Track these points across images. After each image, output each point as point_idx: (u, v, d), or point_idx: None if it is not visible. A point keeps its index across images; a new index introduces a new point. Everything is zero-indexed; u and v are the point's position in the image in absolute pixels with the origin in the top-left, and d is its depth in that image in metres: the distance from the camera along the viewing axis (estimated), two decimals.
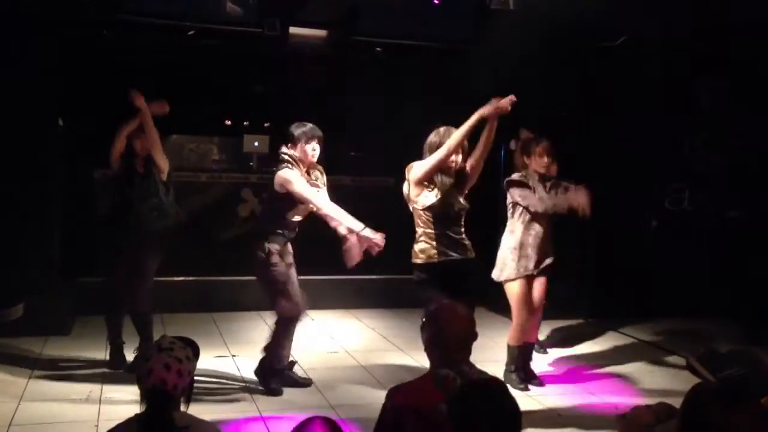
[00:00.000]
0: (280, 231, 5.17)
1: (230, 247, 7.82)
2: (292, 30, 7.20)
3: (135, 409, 2.59)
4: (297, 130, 5.16)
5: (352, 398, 5.16)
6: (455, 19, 7.08)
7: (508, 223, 5.58)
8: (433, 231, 4.58)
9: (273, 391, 5.16)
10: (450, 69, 7.77)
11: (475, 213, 8.04)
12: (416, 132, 6.23)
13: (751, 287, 7.51)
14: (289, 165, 5.08)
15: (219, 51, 7.78)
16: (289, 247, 5.30)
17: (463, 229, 4.72)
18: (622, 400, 5.12)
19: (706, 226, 8.16)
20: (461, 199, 4.70)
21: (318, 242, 6.41)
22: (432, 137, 4.68)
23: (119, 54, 7.54)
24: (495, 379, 2.67)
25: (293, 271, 5.29)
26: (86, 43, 7.22)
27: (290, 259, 5.29)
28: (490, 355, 6.24)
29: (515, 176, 5.53)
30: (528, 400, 5.15)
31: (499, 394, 2.29)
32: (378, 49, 7.87)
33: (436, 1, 6.49)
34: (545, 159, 5.42)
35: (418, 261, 4.63)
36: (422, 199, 4.58)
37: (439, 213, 4.57)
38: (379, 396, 2.93)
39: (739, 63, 7.86)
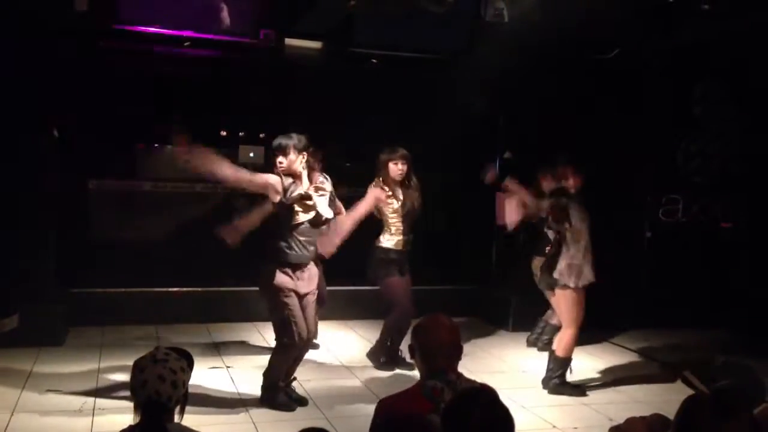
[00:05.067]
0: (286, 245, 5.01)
1: (225, 259, 7.81)
2: (288, 41, 7.23)
3: (129, 421, 2.58)
4: (285, 140, 5.03)
5: (347, 410, 5.14)
6: (450, 31, 7.11)
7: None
8: None
9: (283, 406, 5.05)
10: (445, 80, 7.80)
11: (471, 223, 8.05)
12: (412, 142, 6.28)
13: (745, 298, 7.53)
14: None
15: (214, 62, 7.80)
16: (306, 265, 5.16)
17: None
18: (617, 411, 5.12)
19: (700, 237, 8.19)
20: None
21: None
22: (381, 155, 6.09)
23: (115, 64, 7.55)
24: (486, 387, 2.68)
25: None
26: (82, 53, 7.22)
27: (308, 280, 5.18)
28: (484, 366, 6.25)
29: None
30: (522, 411, 5.14)
31: (491, 403, 2.29)
32: (373, 60, 7.90)
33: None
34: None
35: None
36: None
37: None
38: (374, 407, 2.93)
39: (732, 73, 7.91)
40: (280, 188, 4.89)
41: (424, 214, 6.16)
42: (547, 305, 6.20)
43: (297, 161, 4.94)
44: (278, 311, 5.00)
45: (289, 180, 4.94)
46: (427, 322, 2.95)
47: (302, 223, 4.96)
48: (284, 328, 4.99)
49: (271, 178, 4.93)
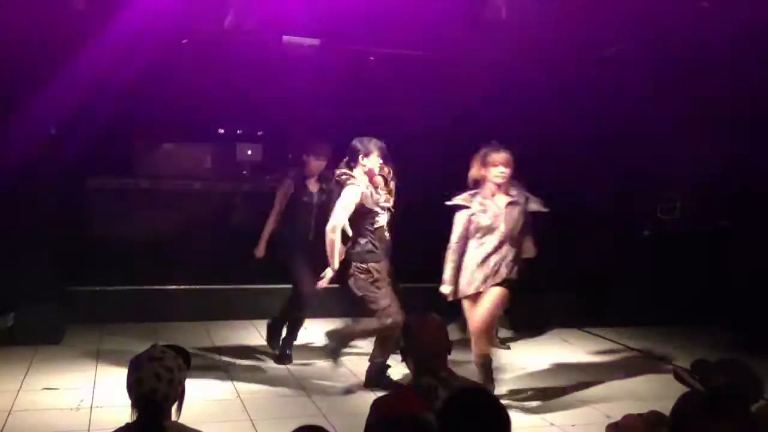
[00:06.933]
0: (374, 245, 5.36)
1: (223, 256, 7.81)
2: (286, 39, 7.21)
3: (126, 418, 2.58)
4: (368, 144, 5.28)
5: (344, 406, 5.15)
6: (448, 29, 7.10)
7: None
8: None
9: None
10: (442, 78, 7.79)
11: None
12: (409, 141, 6.28)
13: (742, 296, 7.53)
14: (355, 182, 5.24)
15: (212, 59, 7.78)
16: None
17: None
18: (614, 408, 5.12)
19: (698, 235, 8.19)
20: None
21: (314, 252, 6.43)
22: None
23: (112, 61, 7.53)
24: (483, 388, 2.68)
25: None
26: (79, 50, 7.20)
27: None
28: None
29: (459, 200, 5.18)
30: (520, 408, 5.15)
31: (488, 403, 2.29)
32: (371, 58, 7.89)
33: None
34: (501, 168, 5.05)
35: None
36: None
37: None
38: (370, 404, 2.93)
39: (730, 70, 7.90)
40: None
41: (417, 212, 6.15)
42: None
43: None
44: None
45: None
46: (417, 323, 2.99)
47: None
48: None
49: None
